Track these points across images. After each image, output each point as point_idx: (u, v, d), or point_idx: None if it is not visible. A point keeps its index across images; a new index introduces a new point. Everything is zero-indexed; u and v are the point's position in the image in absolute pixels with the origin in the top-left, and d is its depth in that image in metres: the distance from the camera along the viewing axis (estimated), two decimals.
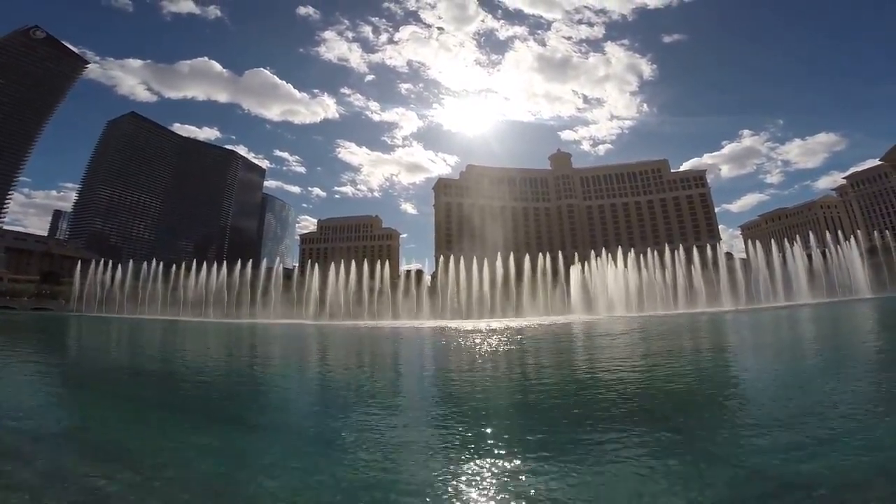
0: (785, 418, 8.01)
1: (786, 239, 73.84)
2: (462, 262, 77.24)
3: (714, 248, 75.27)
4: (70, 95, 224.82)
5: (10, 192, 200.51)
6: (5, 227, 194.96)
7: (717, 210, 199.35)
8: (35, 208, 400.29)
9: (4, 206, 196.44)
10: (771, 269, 64.25)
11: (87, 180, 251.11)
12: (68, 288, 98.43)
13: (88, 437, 8.20)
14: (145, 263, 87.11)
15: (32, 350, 26.44)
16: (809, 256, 67.99)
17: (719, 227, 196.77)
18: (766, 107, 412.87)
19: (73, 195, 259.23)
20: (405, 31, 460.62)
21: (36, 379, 15.63)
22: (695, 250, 72.26)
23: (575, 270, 72.59)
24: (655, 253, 73.61)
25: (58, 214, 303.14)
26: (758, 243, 69.72)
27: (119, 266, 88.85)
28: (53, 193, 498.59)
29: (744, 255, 73.34)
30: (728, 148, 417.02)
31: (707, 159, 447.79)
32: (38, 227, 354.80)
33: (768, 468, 5.71)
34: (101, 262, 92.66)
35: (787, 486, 5.27)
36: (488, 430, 7.92)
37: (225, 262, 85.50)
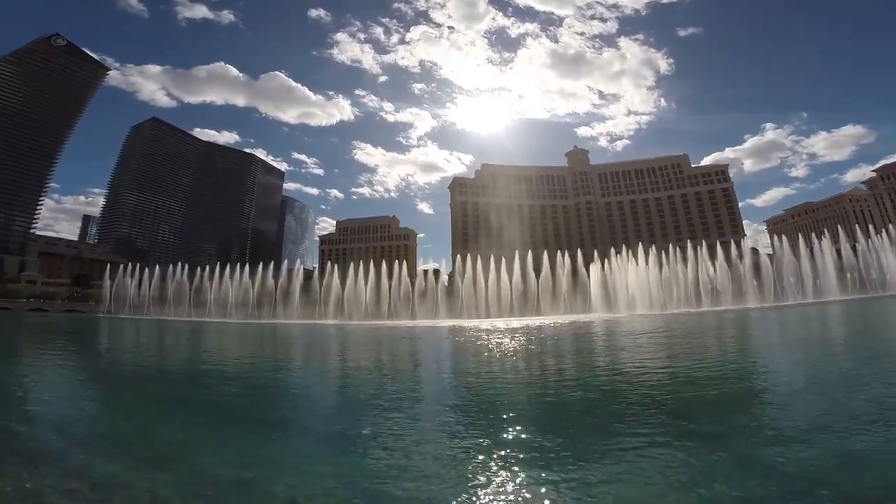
0: (818, 420, 7.87)
1: (814, 233, 71.69)
2: (479, 261, 77.18)
3: (738, 244, 73.42)
4: (93, 102, 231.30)
5: (41, 198, 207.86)
6: (38, 233, 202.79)
7: (740, 205, 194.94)
8: (65, 213, 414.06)
9: (36, 211, 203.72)
10: (799, 265, 62.41)
11: (114, 185, 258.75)
12: (98, 291, 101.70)
13: (120, 437, 8.43)
14: (171, 267, 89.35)
15: (67, 351, 27.47)
16: (839, 251, 65.85)
17: (743, 222, 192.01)
18: (788, 100, 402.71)
19: (101, 200, 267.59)
20: (416, 32, 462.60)
21: (70, 379, 16.26)
22: (718, 246, 70.61)
23: (595, 268, 71.73)
24: (678, 249, 72.23)
25: (87, 219, 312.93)
26: (784, 238, 67.86)
27: (146, 269, 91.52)
28: (82, 199, 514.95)
29: (770, 251, 71.28)
30: (750, 142, 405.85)
31: (729, 153, 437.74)
32: (69, 231, 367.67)
33: (801, 471, 5.64)
34: (129, 265, 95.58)
35: (817, 488, 5.20)
36: (511, 431, 7.93)
37: (247, 264, 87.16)
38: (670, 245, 79.04)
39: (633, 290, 66.26)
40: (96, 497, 5.57)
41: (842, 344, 19.62)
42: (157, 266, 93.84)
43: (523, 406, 10.61)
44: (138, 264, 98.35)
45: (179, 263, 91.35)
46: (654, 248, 74.84)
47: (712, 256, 67.96)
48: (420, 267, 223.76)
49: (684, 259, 69.55)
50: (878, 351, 16.45)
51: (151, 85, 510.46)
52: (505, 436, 7.70)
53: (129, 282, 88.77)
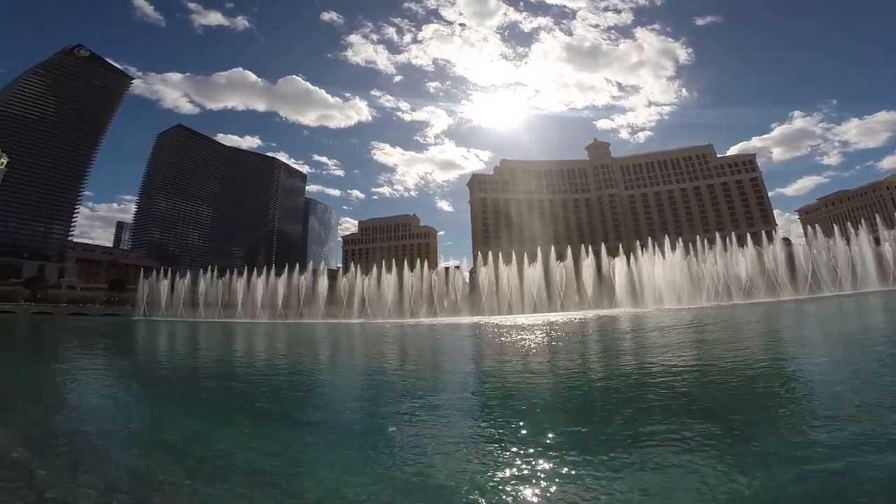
0: (855, 415, 7.73)
1: (849, 222, 68.83)
2: (500, 257, 76.92)
3: (769, 235, 71.09)
4: (120, 110, 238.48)
5: (77, 206, 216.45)
6: (75, 240, 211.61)
7: (770, 194, 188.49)
8: (100, 220, 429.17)
9: (73, 220, 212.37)
10: (834, 256, 60.11)
11: (144, 192, 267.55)
12: (133, 294, 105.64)
13: (154, 435, 8.80)
14: (201, 271, 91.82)
15: (106, 353, 28.75)
16: (877, 240, 63.12)
17: (774, 212, 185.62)
18: (815, 87, 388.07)
19: (133, 207, 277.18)
20: (428, 30, 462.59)
21: (109, 379, 17.05)
22: (748, 237, 68.54)
23: (620, 262, 70.61)
24: (706, 241, 70.38)
25: (120, 226, 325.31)
26: (818, 228, 65.39)
27: (178, 273, 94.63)
28: (115, 206, 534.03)
29: (803, 241, 68.70)
30: (778, 130, 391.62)
31: (756, 142, 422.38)
32: (104, 238, 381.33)
33: (830, 467, 5.60)
34: (162, 270, 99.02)
35: (849, 486, 5.16)
36: (535, 427, 7.99)
37: (273, 266, 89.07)
38: (698, 237, 77.18)
39: (659, 284, 65.00)
40: (138, 494, 5.78)
41: (878, 337, 18.93)
42: (189, 270, 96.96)
43: (545, 402, 10.69)
44: (170, 268, 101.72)
45: (209, 267, 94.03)
46: (680, 240, 73.15)
47: (742, 247, 66.03)
48: (441, 264, 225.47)
49: (713, 251, 67.80)
50: None
51: (174, 92, 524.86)
52: (529, 431, 7.79)
53: (162, 287, 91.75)
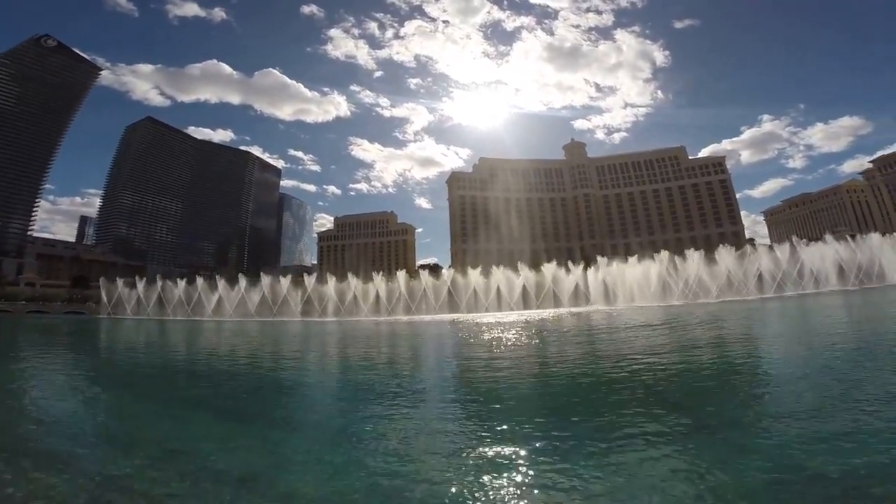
0: (813, 409, 7.98)
1: (811, 224, 71.71)
2: (478, 255, 77.31)
3: (737, 235, 73.45)
4: (86, 102, 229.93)
5: (37, 200, 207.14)
6: (35, 235, 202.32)
7: (738, 196, 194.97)
8: (61, 215, 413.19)
9: (33, 213, 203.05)
10: (796, 256, 62.58)
11: (110, 186, 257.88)
12: (98, 292, 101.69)
13: (119, 435, 8.55)
14: (160, 281, 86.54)
15: (66, 352, 27.55)
16: (837, 241, 65.89)
17: (741, 213, 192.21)
18: (785, 91, 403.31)
19: (97, 201, 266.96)
20: (411, 26, 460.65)
21: (70, 379, 16.33)
22: (717, 237, 70.66)
23: (593, 260, 71.82)
24: (676, 241, 72.23)
25: (84, 220, 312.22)
26: (782, 229, 67.85)
27: (146, 267, 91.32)
28: (78, 200, 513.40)
29: (767, 242, 71.37)
30: (748, 133, 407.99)
31: (726, 145, 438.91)
32: (66, 233, 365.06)
33: (793, 460, 5.74)
34: (128, 267, 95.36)
35: (814, 478, 5.28)
36: (512, 423, 8.00)
37: (246, 262, 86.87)
38: (668, 237, 79.09)
39: (631, 283, 66.42)
40: (104, 495, 5.63)
41: (837, 334, 19.73)
42: (157, 266, 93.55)
43: (513, 398, 10.73)
44: (136, 264, 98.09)
45: (177, 262, 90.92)
46: (652, 239, 74.98)
47: (710, 247, 68.02)
48: (419, 262, 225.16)
49: (683, 251, 69.66)
50: (872, 341, 16.62)
51: (144, 84, 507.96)
52: (506, 428, 7.82)
53: (128, 292, 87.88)
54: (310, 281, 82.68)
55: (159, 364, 21.66)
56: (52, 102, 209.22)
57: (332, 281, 79.27)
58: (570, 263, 77.63)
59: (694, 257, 64.87)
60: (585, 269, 73.72)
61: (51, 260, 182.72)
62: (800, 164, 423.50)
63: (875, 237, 63.39)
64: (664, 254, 66.30)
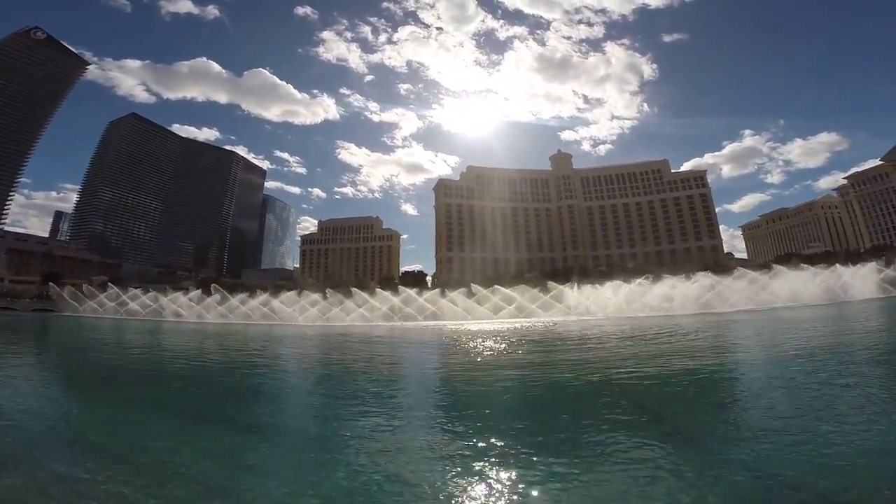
0: (787, 420, 7.91)
1: (787, 239, 73.52)
2: (463, 263, 77.21)
3: (715, 249, 74.90)
4: (70, 96, 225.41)
5: (11, 194, 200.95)
6: (6, 229, 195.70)
7: (717, 210, 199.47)
8: (35, 209, 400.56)
9: (6, 207, 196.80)
10: (772, 270, 63.94)
11: (88, 181, 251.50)
12: (70, 289, 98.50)
13: (80, 438, 8.20)
14: (133, 290, 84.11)
15: (30, 351, 26.43)
16: (811, 256, 67.64)
17: (720, 227, 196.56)
18: (767, 107, 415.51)
19: (74, 196, 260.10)
20: (404, 32, 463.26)
21: (32, 380, 15.59)
22: (696, 251, 71.92)
23: (575, 271, 72.46)
24: (656, 254, 73.31)
25: (59, 216, 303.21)
26: (758, 243, 69.38)
27: (122, 266, 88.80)
28: (53, 194, 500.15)
29: (745, 256, 72.79)
30: (729, 148, 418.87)
31: (708, 159, 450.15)
32: (39, 228, 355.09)
33: (769, 470, 5.63)
34: (103, 265, 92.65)
35: (790, 488, 5.17)
36: (487, 431, 7.85)
37: (226, 263, 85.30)
38: (649, 249, 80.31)
39: (610, 294, 67.10)
40: (67, 499, 5.43)
41: (814, 347, 20.00)
42: (133, 264, 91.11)
43: (500, 405, 10.52)
44: (112, 262, 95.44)
45: (155, 261, 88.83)
46: (633, 251, 75.94)
47: (689, 260, 69.18)
48: (403, 268, 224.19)
49: (661, 263, 70.63)
50: (851, 354, 16.86)
51: (130, 80, 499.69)
52: (481, 436, 7.66)
53: (99, 281, 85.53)
54: (289, 285, 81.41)
55: (109, 364, 20.89)
56: (35, 95, 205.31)
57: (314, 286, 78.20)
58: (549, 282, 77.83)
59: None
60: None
61: (21, 255, 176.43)
62: (778, 180, 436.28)
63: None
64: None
